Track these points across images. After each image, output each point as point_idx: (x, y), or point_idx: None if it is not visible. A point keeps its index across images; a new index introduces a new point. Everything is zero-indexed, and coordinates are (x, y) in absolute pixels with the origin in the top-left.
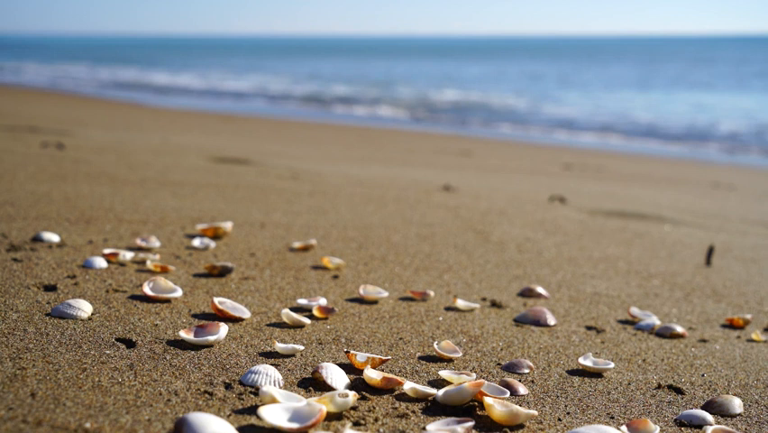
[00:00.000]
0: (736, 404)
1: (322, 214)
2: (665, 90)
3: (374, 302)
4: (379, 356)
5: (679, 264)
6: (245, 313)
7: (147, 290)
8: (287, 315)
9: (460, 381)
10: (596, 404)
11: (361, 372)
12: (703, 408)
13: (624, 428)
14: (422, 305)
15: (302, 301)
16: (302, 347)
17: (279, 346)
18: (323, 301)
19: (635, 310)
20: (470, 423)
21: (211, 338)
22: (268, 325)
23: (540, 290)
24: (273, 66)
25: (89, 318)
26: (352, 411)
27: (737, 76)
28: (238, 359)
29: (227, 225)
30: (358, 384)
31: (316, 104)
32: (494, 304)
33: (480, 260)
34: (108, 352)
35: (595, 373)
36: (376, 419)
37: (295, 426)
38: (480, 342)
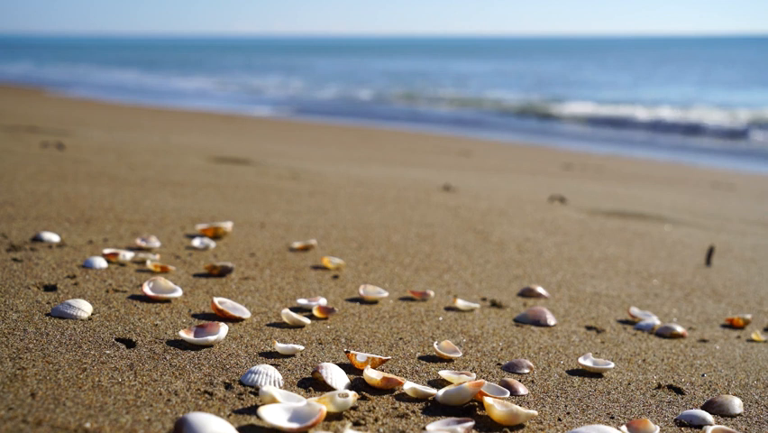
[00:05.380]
0: (736, 404)
1: (322, 214)
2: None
3: (374, 302)
4: (379, 356)
5: (679, 264)
6: (245, 313)
7: (147, 290)
8: (287, 315)
9: (460, 381)
10: (596, 404)
11: (361, 372)
12: (703, 408)
13: (624, 428)
14: (422, 305)
15: (302, 301)
16: (302, 347)
17: (279, 346)
18: (323, 301)
19: (635, 310)
20: (470, 423)
21: (211, 338)
22: (268, 325)
23: (540, 290)
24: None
25: (89, 318)
26: (352, 411)
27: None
28: (238, 359)
29: (227, 225)
30: (358, 384)
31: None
32: (494, 304)
33: (480, 260)
34: (108, 352)
35: (595, 373)
36: (376, 419)
37: (295, 426)
38: (480, 342)
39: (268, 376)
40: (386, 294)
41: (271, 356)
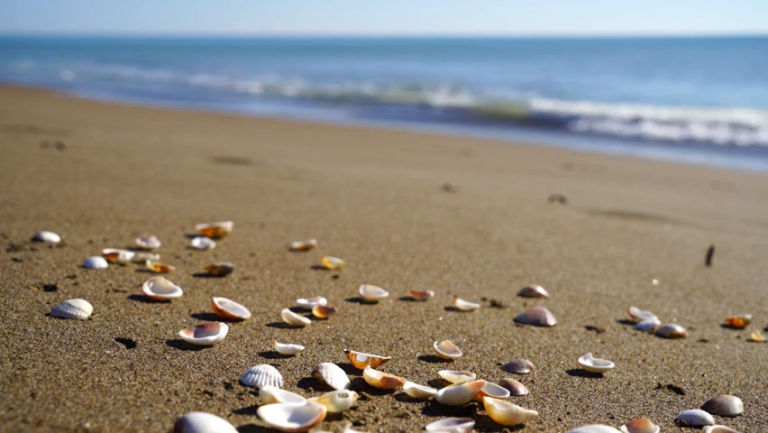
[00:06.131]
0: (736, 404)
1: (322, 214)
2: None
3: (374, 302)
4: (379, 356)
5: (679, 264)
6: (245, 313)
7: (147, 290)
8: (287, 315)
9: (460, 381)
10: (596, 404)
11: (361, 372)
12: (703, 408)
13: (624, 428)
14: (422, 305)
15: (302, 301)
16: (302, 347)
17: (279, 346)
18: (323, 301)
19: (635, 310)
20: (470, 423)
21: (211, 338)
22: (268, 325)
23: (540, 290)
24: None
25: (89, 318)
26: (351, 411)
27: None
28: (238, 359)
29: (227, 225)
30: (358, 384)
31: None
32: (494, 304)
33: (480, 260)
34: (108, 352)
35: (595, 373)
36: (376, 419)
37: (295, 426)
38: (480, 342)
39: (268, 376)
40: (386, 294)
41: (271, 356)
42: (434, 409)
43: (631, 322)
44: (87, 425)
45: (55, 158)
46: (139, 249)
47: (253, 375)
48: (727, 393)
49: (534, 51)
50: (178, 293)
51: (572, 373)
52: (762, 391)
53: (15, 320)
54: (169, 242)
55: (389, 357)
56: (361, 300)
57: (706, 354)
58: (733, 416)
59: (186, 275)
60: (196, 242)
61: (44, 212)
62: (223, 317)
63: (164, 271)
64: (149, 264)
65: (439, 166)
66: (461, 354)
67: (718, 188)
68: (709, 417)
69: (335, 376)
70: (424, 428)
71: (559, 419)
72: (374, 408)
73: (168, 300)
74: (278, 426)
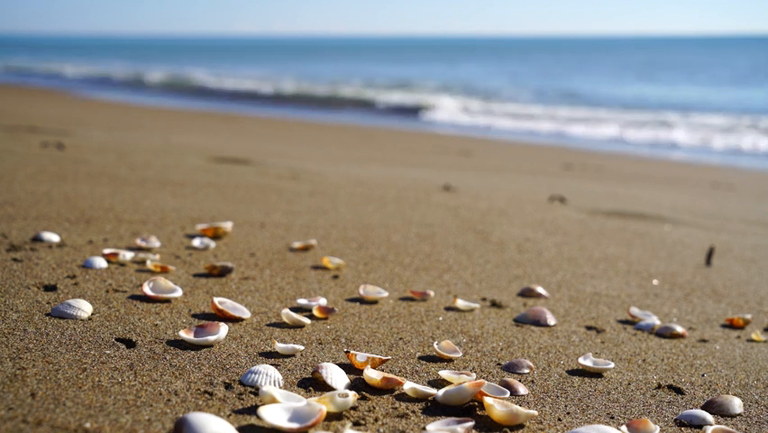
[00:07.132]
0: (736, 404)
1: (322, 214)
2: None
3: (374, 302)
4: (379, 356)
5: (679, 264)
6: (245, 313)
7: (147, 290)
8: (287, 315)
9: (460, 381)
10: (596, 404)
11: (361, 372)
12: (703, 408)
13: (624, 428)
14: (422, 305)
15: (302, 301)
16: (302, 347)
17: (279, 346)
18: (323, 301)
19: (635, 310)
20: (470, 423)
21: (211, 338)
22: (268, 325)
23: (540, 290)
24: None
25: (89, 318)
26: (352, 411)
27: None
28: (238, 359)
29: (227, 225)
30: (358, 384)
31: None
32: (494, 304)
33: (480, 260)
34: (108, 352)
35: (595, 373)
36: (376, 419)
37: (295, 426)
38: (480, 342)
39: (268, 376)
40: (386, 294)
41: (271, 356)
42: (434, 409)
43: (631, 322)
44: (87, 425)
45: (55, 158)
46: (139, 249)
47: (253, 375)
48: (727, 393)
49: (534, 51)
50: (178, 293)
51: (572, 373)
52: (762, 391)
53: (15, 320)
54: (169, 242)
55: (389, 357)
56: (361, 300)
57: (706, 354)
58: (733, 416)
59: (186, 275)
60: (196, 242)
61: (44, 212)
62: (223, 317)
63: (164, 271)
64: (149, 264)
65: (439, 166)
66: (461, 354)
67: (718, 188)
68: (709, 417)
69: (335, 376)
70: (424, 428)
71: (559, 419)
72: (374, 408)
73: (168, 300)
74: (278, 426)
